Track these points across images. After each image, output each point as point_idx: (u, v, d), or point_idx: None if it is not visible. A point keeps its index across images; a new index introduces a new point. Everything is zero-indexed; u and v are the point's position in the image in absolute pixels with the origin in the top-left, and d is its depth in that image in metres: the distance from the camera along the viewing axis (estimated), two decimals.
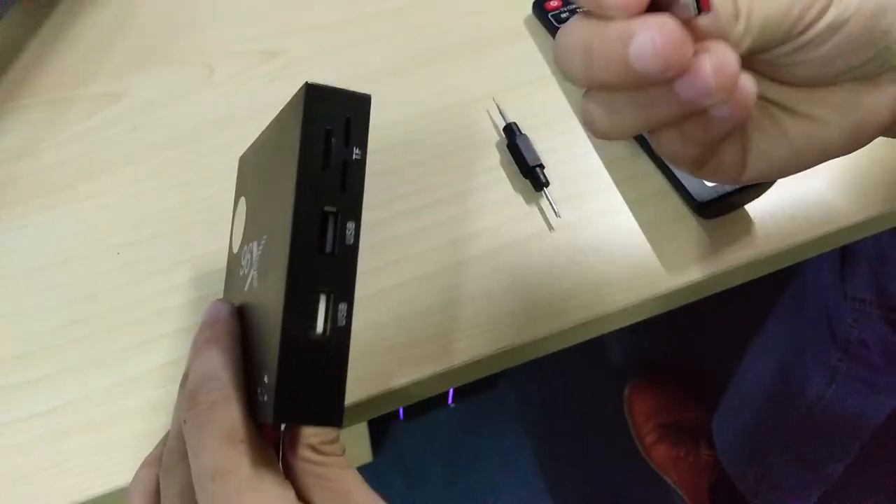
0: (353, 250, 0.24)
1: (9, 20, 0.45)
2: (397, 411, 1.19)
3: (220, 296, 0.35)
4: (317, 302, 0.23)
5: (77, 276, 0.41)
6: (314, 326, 0.23)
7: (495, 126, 0.46)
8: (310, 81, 0.24)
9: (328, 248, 0.24)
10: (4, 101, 0.48)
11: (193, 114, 0.47)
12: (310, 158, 0.23)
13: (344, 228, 0.24)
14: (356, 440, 1.00)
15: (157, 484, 0.28)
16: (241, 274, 0.30)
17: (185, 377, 0.29)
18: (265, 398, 0.24)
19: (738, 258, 0.41)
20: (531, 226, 0.42)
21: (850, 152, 0.27)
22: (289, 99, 0.26)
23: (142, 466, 0.29)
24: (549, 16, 0.49)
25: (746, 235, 0.42)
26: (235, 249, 0.32)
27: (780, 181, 0.42)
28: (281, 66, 0.49)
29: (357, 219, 0.24)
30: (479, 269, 0.41)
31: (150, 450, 0.31)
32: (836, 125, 0.26)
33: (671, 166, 0.42)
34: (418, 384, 0.38)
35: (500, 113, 0.45)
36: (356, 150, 0.24)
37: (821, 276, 0.83)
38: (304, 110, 0.23)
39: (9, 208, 0.43)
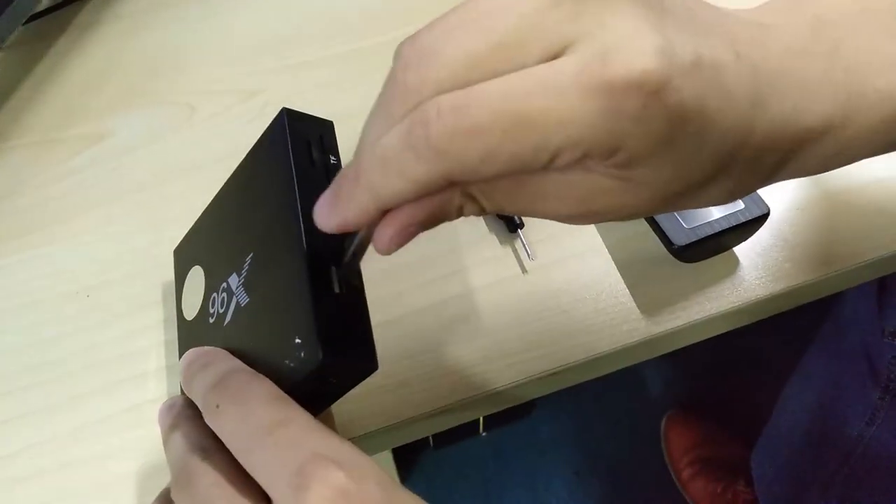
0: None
1: (1, 62, 0.47)
2: (427, 439, 1.17)
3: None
4: (329, 268, 0.27)
5: (45, 317, 0.41)
6: (332, 286, 0.27)
7: None
8: (286, 107, 0.30)
9: None
10: None
11: (172, 154, 0.47)
12: (300, 159, 0.29)
13: None
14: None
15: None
16: (210, 322, 0.33)
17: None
18: (301, 354, 0.26)
19: (720, 305, 0.38)
20: (504, 268, 0.40)
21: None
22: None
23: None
24: None
25: (732, 280, 0.39)
26: (193, 314, 0.35)
27: (770, 224, 0.40)
28: (260, 104, 0.49)
29: None
30: (451, 312, 0.39)
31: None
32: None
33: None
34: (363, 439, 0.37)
35: None
36: (332, 157, 0.30)
37: (858, 308, 0.78)
38: (289, 125, 0.29)
39: None
